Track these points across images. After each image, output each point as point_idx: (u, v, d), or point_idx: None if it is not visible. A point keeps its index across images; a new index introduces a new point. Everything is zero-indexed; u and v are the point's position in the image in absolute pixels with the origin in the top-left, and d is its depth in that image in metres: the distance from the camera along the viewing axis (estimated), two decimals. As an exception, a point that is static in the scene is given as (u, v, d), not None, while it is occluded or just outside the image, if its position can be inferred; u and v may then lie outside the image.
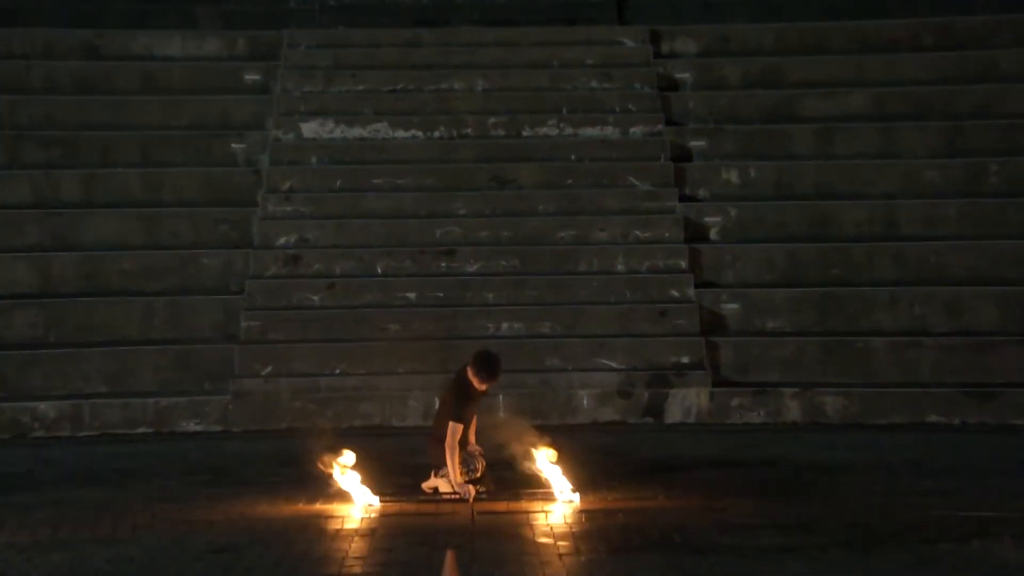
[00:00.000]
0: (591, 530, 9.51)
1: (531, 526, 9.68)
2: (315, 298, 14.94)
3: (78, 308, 14.86)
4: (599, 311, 14.81)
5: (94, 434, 13.74)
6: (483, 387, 10.52)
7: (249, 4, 18.76)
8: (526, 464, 10.66)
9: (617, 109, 16.98)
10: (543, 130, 16.82)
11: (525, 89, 17.28)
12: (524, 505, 10.29)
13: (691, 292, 14.99)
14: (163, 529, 9.64)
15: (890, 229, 15.77)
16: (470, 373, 10.51)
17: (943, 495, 10.59)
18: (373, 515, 10.07)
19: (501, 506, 10.29)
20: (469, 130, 16.82)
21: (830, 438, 13.26)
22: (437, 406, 11.44)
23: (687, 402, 14.10)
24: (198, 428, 13.86)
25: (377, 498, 10.38)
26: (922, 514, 9.88)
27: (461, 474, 10.45)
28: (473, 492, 10.40)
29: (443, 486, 10.57)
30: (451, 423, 10.39)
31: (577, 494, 10.41)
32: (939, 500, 10.39)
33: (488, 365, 10.51)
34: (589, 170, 16.32)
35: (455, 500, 10.38)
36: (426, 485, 10.72)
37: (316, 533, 9.52)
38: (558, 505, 10.26)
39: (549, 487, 10.50)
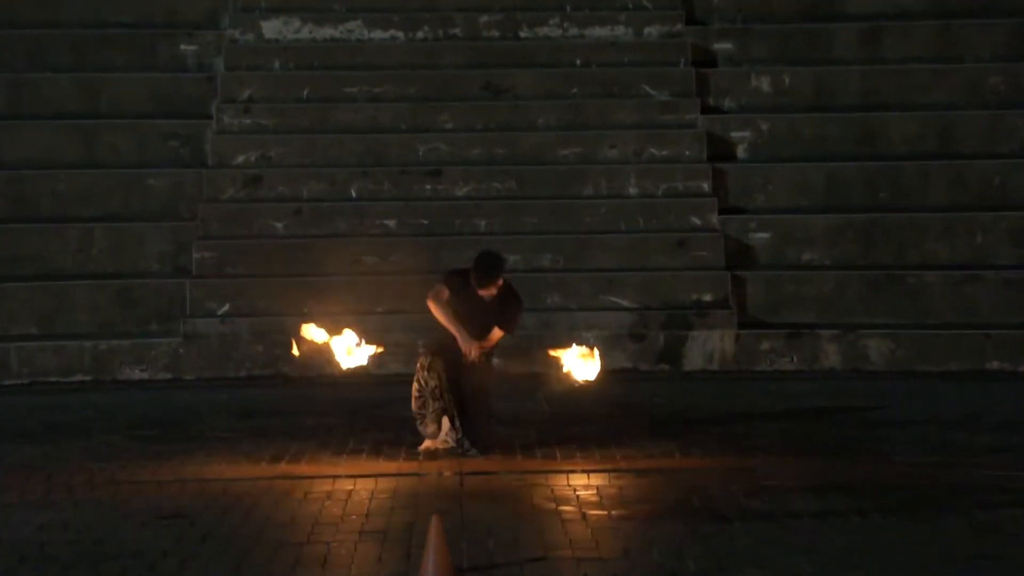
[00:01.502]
0: (598, 493, 9.57)
1: (529, 488, 9.74)
2: (279, 225, 14.95)
3: (3, 236, 14.86)
4: (608, 241, 14.83)
5: (23, 382, 13.81)
6: (480, 291, 10.45)
7: None
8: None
9: (630, 5, 16.91)
10: (543, 30, 16.76)
11: (523, -19, 17.22)
12: (520, 464, 10.36)
13: (714, 219, 15.01)
14: (104, 492, 9.68)
15: (947, 145, 15.77)
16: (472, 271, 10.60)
17: (1005, 452, 10.65)
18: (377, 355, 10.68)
19: (494, 465, 10.35)
20: (457, 30, 16.75)
21: (874, 387, 13.33)
22: None
23: (709, 346, 14.15)
24: (144, 375, 13.92)
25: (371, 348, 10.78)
26: (980, 475, 9.93)
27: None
28: (476, 351, 10.44)
29: (430, 444, 10.62)
30: (436, 284, 10.58)
31: (596, 349, 10.79)
32: (1000, 459, 10.44)
33: (480, 262, 10.52)
34: (597, 77, 16.28)
35: (450, 449, 10.51)
36: (424, 448, 10.73)
37: (281, 496, 9.56)
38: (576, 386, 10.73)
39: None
